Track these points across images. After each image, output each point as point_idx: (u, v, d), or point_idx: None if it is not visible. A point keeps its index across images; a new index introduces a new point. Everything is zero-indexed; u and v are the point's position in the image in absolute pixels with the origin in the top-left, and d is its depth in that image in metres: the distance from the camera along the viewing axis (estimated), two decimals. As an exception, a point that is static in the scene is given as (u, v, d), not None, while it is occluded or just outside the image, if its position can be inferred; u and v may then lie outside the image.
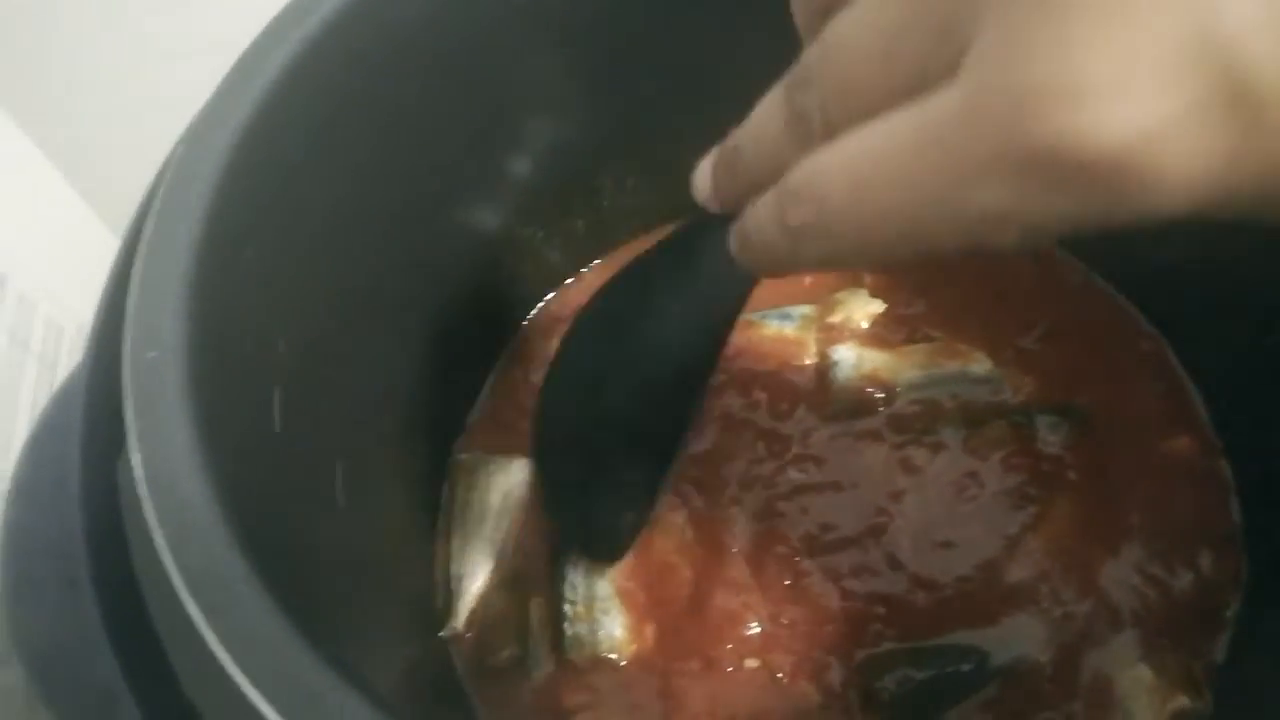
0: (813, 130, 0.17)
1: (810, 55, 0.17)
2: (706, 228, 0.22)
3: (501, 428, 0.40)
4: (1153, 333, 0.40)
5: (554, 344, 0.41)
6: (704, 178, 0.22)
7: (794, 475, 0.37)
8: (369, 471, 0.33)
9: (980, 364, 0.39)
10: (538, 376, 0.40)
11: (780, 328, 0.41)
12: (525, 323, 0.43)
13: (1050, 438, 0.37)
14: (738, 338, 0.40)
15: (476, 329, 0.41)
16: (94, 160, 0.41)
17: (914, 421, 0.38)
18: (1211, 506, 0.36)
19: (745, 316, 0.41)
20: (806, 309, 0.41)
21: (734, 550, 0.35)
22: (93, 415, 0.24)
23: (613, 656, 0.34)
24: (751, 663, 0.33)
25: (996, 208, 0.15)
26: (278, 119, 0.27)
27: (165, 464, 0.21)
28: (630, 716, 0.33)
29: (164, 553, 0.20)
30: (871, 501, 0.36)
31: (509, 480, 0.37)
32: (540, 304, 0.43)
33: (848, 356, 0.39)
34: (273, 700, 0.18)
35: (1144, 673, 0.33)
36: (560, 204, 0.41)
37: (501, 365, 0.42)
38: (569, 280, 0.43)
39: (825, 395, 0.39)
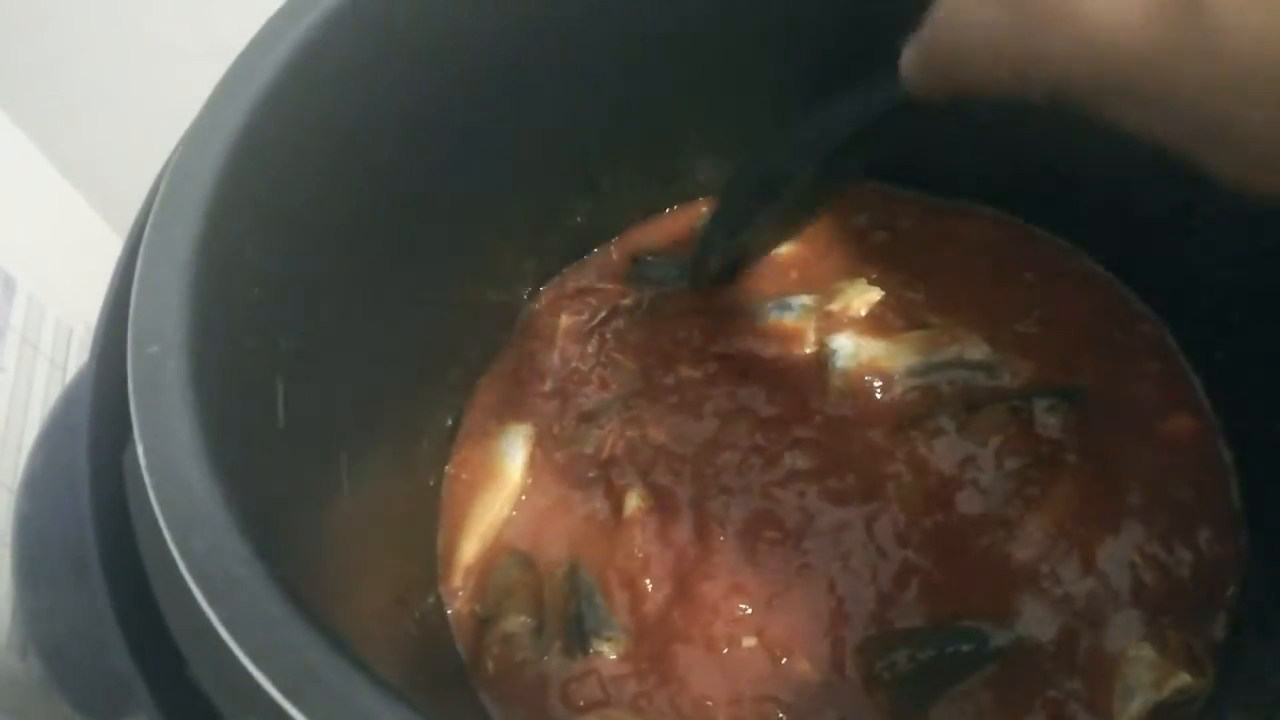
0: None
1: None
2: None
3: (506, 400, 0.41)
4: (1151, 315, 0.40)
5: (559, 320, 0.42)
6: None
7: (790, 462, 0.37)
8: (373, 458, 0.33)
9: (977, 348, 0.39)
10: (542, 354, 0.41)
11: (780, 318, 0.41)
12: (529, 302, 0.43)
13: (1049, 421, 0.37)
14: (737, 329, 0.41)
15: (478, 315, 0.41)
16: (99, 166, 0.42)
17: (912, 408, 0.38)
18: (1211, 487, 0.36)
19: (745, 308, 0.41)
20: (806, 299, 0.41)
21: (721, 537, 0.36)
22: (99, 409, 0.25)
23: (609, 647, 0.34)
24: (749, 641, 0.34)
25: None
26: (274, 119, 0.27)
27: (167, 453, 0.21)
28: (634, 704, 0.34)
29: (168, 539, 0.20)
30: (869, 487, 0.36)
31: (513, 443, 0.39)
32: (545, 284, 0.43)
33: (845, 345, 0.39)
34: (275, 681, 0.18)
35: (1145, 651, 0.33)
36: (559, 198, 0.41)
37: (505, 343, 0.42)
38: (569, 268, 0.44)
39: (823, 384, 0.39)
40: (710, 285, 0.41)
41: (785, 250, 0.43)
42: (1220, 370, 0.38)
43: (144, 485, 0.21)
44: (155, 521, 0.21)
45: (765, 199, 0.36)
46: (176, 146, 0.27)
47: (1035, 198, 0.41)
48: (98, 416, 0.25)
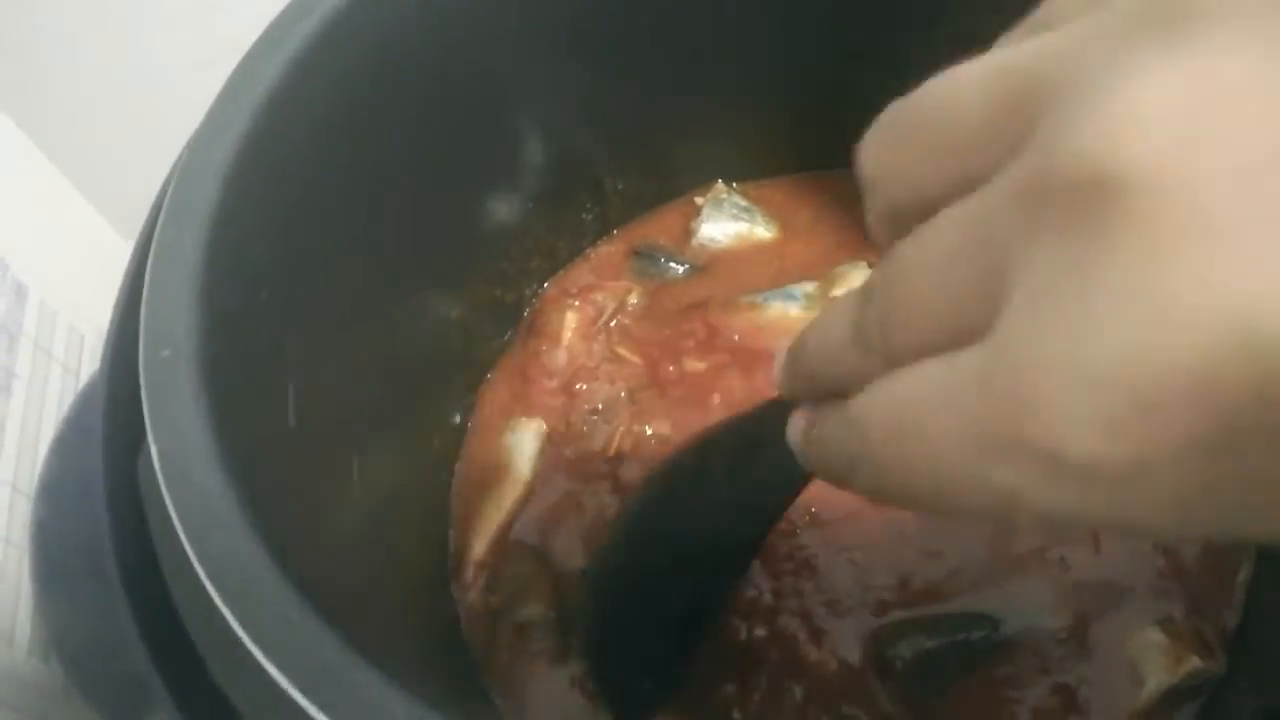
0: (872, 348, 0.16)
1: (878, 272, 0.16)
2: (777, 412, 0.21)
3: (515, 397, 0.41)
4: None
5: (565, 317, 0.42)
6: (778, 366, 0.21)
7: (798, 453, 0.37)
8: (384, 456, 0.34)
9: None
10: (549, 350, 0.41)
11: (785, 308, 0.41)
12: (534, 300, 0.43)
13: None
14: (742, 320, 0.41)
15: (486, 313, 0.41)
16: (107, 172, 0.42)
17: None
18: (1221, 469, 0.36)
19: (749, 299, 0.41)
20: (809, 287, 0.41)
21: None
22: (113, 414, 0.25)
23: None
24: (760, 631, 0.34)
25: (1007, 486, 0.13)
26: (278, 122, 0.27)
27: (182, 455, 0.21)
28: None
29: (184, 541, 0.20)
30: (879, 476, 0.36)
31: (522, 439, 0.39)
32: (549, 281, 0.43)
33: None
34: (293, 678, 0.19)
35: (1156, 636, 0.33)
36: (565, 197, 0.41)
37: (512, 340, 0.42)
38: (575, 260, 0.44)
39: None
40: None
41: (769, 238, 0.43)
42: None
43: (159, 489, 0.21)
44: (171, 524, 0.21)
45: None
46: (182, 151, 0.28)
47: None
48: (111, 422, 0.25)
